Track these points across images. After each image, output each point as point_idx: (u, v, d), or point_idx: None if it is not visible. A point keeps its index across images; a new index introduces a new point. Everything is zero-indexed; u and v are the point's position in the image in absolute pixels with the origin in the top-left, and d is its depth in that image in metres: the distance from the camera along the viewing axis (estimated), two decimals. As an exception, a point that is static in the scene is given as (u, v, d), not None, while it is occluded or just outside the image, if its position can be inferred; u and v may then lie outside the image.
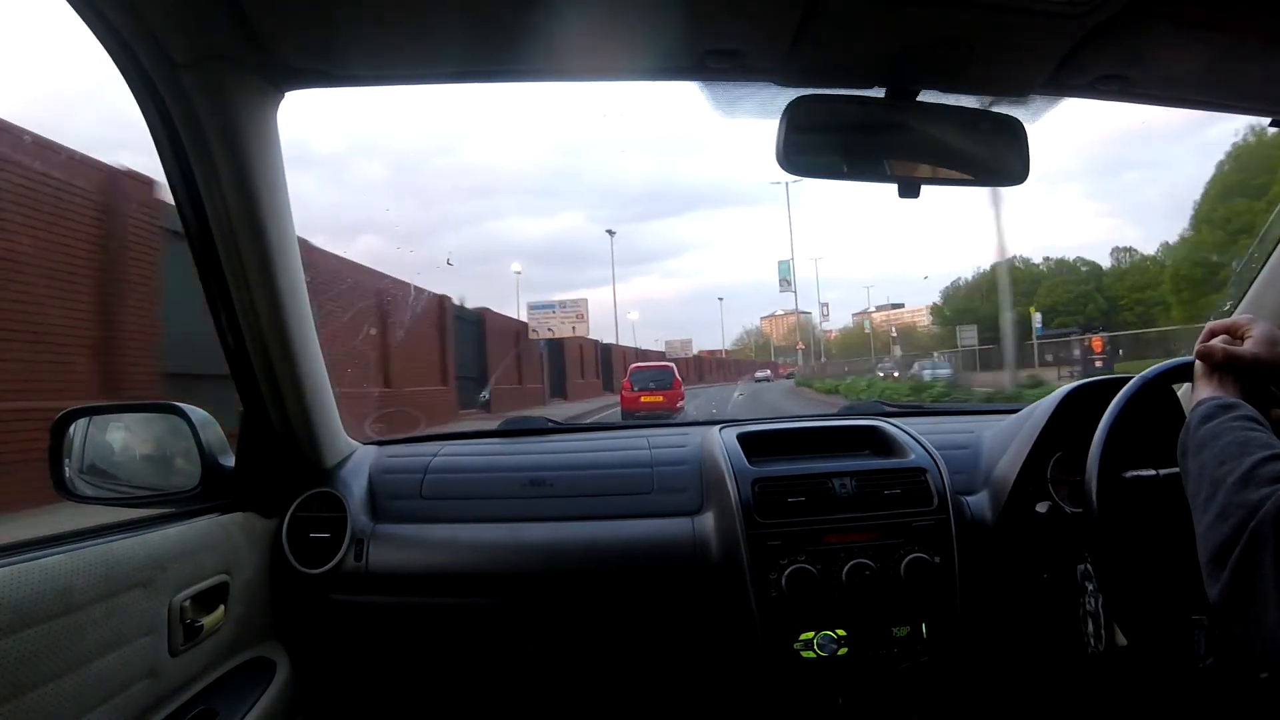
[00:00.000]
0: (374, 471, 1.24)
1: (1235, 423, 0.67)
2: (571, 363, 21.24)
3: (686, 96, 33.60)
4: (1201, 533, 0.63)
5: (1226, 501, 0.61)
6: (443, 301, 12.77)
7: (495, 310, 16.27)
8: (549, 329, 17.99)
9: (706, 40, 0.85)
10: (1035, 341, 21.96)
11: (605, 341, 27.05)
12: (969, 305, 38.34)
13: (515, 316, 18.49)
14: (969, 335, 25.21)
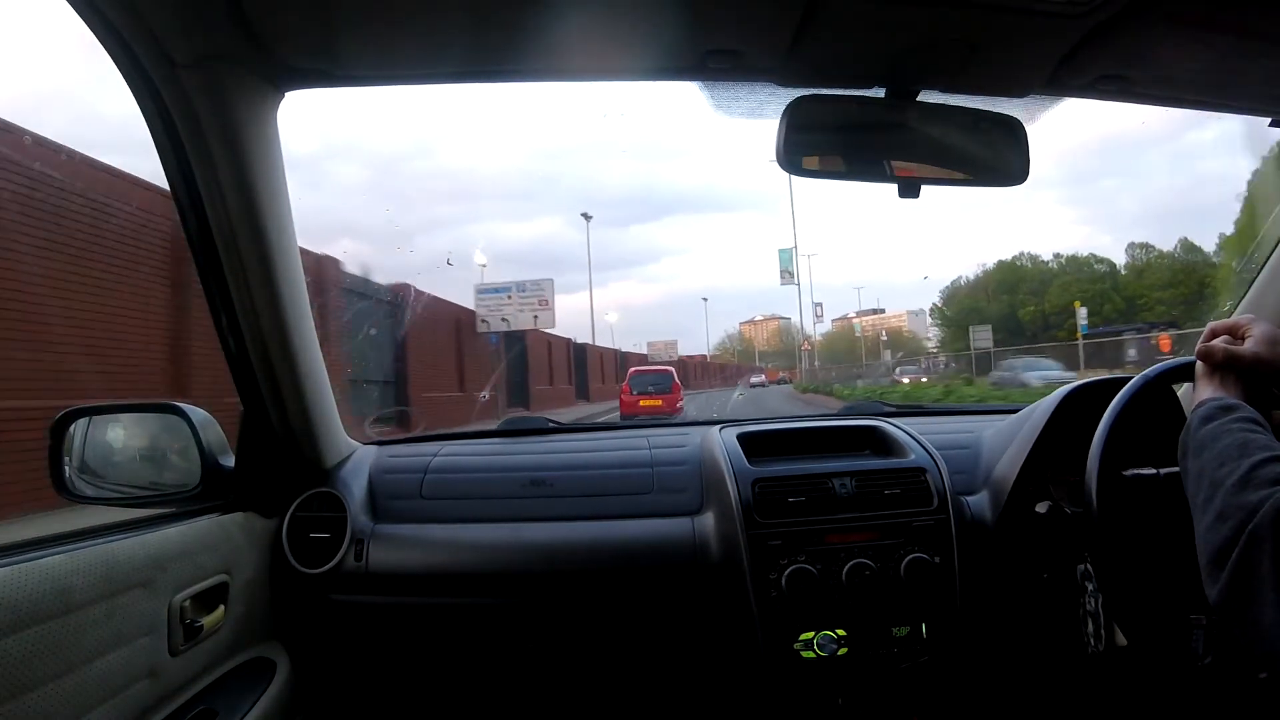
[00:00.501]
0: (374, 471, 1.24)
1: (1235, 424, 0.67)
2: (537, 364, 17.11)
3: (666, 100, 31.09)
4: (1201, 534, 0.63)
5: (1225, 503, 0.61)
6: (323, 264, 8.06)
7: (424, 290, 11.71)
8: (503, 319, 13.64)
9: (706, 40, 0.85)
10: (1080, 340, 18.79)
11: (580, 341, 22.80)
12: (974, 305, 36.09)
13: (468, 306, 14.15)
14: (983, 336, 22.69)
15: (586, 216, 29.88)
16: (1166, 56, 0.89)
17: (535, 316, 14.14)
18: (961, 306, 36.91)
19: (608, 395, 21.45)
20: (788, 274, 31.17)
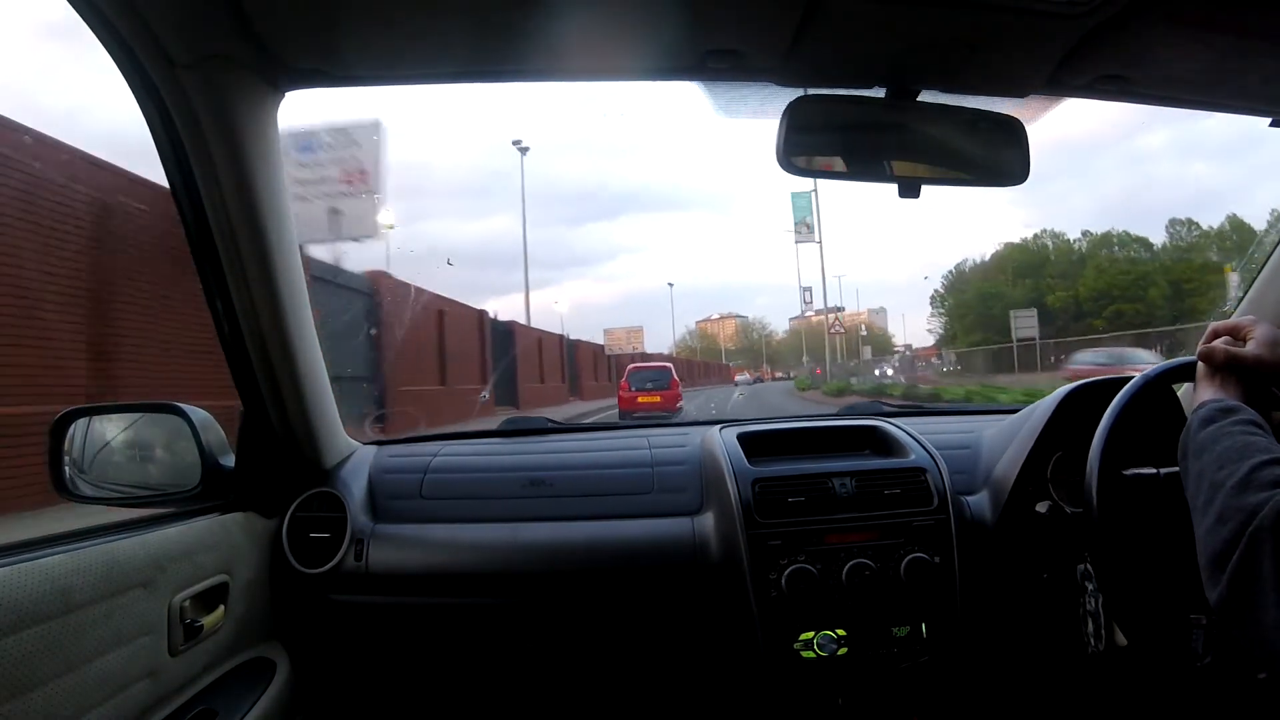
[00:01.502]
0: (374, 471, 1.24)
1: (1235, 426, 0.67)
2: (418, 344, 10.05)
3: (627, 98, 27.72)
4: (1201, 536, 0.63)
5: (1225, 505, 0.61)
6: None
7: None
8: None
9: (706, 40, 0.85)
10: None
11: (503, 320, 14.84)
12: (993, 289, 30.58)
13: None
14: (1027, 322, 18.17)
15: (521, 148, 20.78)
16: (1166, 56, 0.89)
17: (335, 211, 6.04)
18: (978, 291, 31.72)
19: (547, 399, 15.42)
20: (805, 227, 22.80)
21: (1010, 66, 0.89)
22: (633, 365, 15.21)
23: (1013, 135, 0.95)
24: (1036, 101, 0.98)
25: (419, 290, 9.51)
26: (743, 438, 1.22)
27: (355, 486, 1.18)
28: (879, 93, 0.91)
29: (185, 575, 0.90)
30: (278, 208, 0.97)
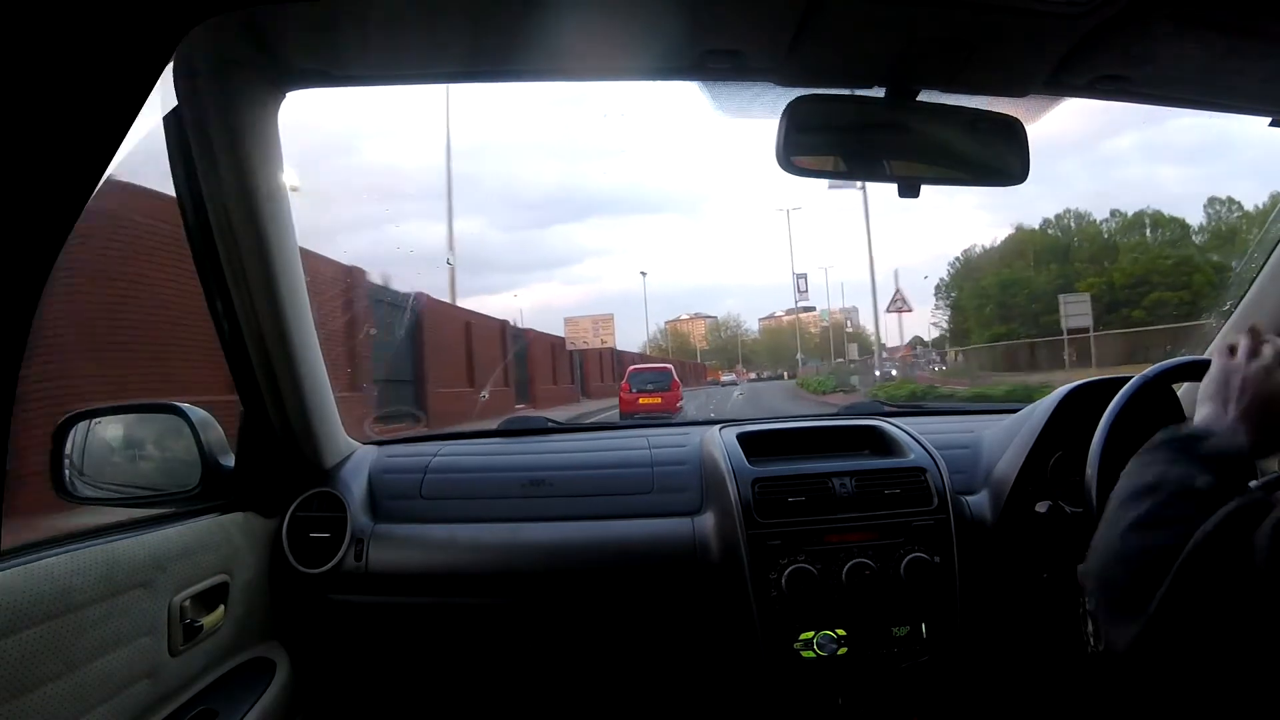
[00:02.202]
0: (374, 471, 1.24)
1: (1164, 456, 0.63)
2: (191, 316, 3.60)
3: (599, 100, 25.79)
4: (1096, 555, 0.61)
5: (1124, 546, 0.59)
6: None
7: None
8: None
9: (706, 40, 0.85)
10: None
11: (405, 291, 9.31)
12: (1013, 276, 26.90)
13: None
14: (1078, 310, 15.21)
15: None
16: (1166, 56, 0.89)
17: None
18: (999, 279, 27.71)
19: (482, 409, 10.37)
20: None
21: (1010, 66, 0.89)
22: (633, 367, 15.16)
23: (1012, 135, 0.95)
24: (1036, 101, 0.98)
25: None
26: (742, 438, 1.22)
27: (355, 486, 1.18)
28: (879, 93, 0.91)
29: (185, 575, 0.90)
30: (278, 208, 0.98)
